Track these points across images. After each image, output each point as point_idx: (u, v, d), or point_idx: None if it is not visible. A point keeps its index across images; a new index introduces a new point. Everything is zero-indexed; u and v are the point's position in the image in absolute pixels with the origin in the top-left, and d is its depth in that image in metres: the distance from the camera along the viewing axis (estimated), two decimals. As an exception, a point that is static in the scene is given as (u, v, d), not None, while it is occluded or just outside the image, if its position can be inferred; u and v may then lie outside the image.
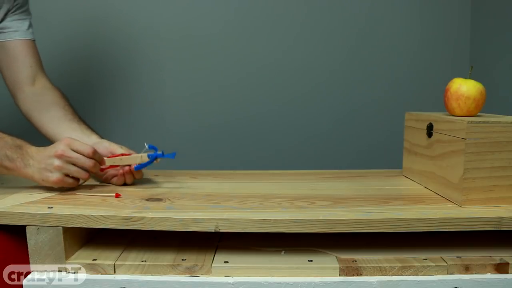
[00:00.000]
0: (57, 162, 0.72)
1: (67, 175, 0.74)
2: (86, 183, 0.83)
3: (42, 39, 1.03)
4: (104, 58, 1.32)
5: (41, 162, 0.73)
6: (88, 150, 0.74)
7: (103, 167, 0.80)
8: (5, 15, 0.89)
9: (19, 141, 0.75)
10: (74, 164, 0.74)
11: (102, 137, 0.86)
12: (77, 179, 0.77)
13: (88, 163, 0.74)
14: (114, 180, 0.83)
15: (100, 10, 1.28)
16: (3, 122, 1.23)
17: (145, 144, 0.80)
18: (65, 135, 0.85)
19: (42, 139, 0.89)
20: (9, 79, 0.91)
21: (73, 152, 0.74)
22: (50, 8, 1.27)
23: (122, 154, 0.80)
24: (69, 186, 0.76)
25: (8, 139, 0.75)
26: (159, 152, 0.79)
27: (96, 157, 0.76)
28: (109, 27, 1.29)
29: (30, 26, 0.93)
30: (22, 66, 0.90)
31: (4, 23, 0.89)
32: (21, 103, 0.91)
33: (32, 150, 0.75)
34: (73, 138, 0.76)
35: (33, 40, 0.93)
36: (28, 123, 0.91)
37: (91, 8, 1.28)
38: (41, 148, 0.75)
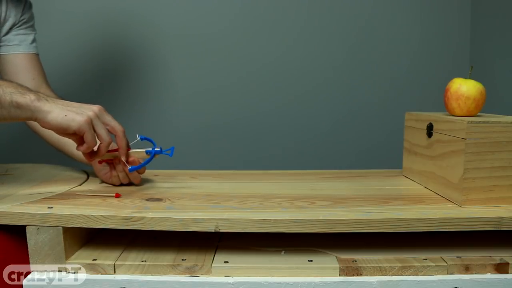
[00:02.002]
0: (91, 112, 0.68)
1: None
2: (85, 185, 0.83)
3: (46, 39, 1.04)
4: (104, 57, 1.32)
5: (67, 104, 0.68)
6: (118, 128, 0.72)
7: (99, 159, 0.79)
8: (10, 28, 0.91)
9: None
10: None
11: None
12: (93, 144, 0.70)
13: (120, 127, 0.72)
14: (111, 178, 0.82)
15: (102, 10, 1.29)
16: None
17: (137, 136, 0.76)
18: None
19: (42, 142, 0.89)
20: None
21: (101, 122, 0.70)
22: (53, 8, 1.27)
23: (119, 149, 0.79)
24: (88, 141, 0.69)
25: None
26: (157, 149, 0.76)
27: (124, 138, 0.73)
28: (111, 26, 1.29)
29: (34, 40, 0.94)
30: (25, 79, 0.91)
31: (9, 36, 0.91)
32: None
33: (50, 97, 0.69)
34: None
35: (37, 54, 0.95)
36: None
37: (93, 8, 1.28)
38: None
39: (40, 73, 0.94)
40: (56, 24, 1.28)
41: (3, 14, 0.89)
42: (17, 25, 0.92)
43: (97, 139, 0.71)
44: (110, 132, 0.73)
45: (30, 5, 0.95)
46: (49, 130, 0.82)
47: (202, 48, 1.31)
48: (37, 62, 0.94)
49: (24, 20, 0.93)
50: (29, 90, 0.69)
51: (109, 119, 0.72)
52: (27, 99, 0.66)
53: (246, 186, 0.84)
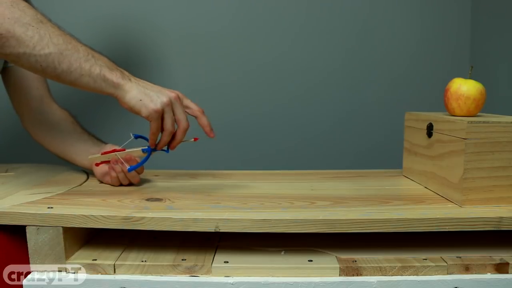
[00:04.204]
0: (166, 99, 0.69)
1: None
2: (85, 185, 0.83)
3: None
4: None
5: (147, 86, 0.69)
6: (197, 109, 0.74)
7: (97, 162, 0.80)
8: None
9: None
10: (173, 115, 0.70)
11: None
12: (157, 133, 0.71)
13: (185, 124, 0.71)
14: (110, 180, 0.82)
15: (102, 10, 1.28)
16: (4, 123, 1.23)
17: (131, 134, 0.76)
18: (76, 147, 0.87)
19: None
20: (16, 102, 0.93)
21: (182, 106, 0.71)
22: (54, 11, 1.27)
23: (114, 150, 0.79)
24: (152, 130, 0.70)
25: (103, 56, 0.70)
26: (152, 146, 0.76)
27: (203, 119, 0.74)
28: (110, 26, 1.29)
29: None
30: (29, 89, 0.91)
31: None
32: (29, 124, 0.92)
33: (133, 76, 0.71)
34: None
35: None
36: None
37: (93, 9, 1.28)
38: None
39: (43, 84, 0.94)
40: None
41: None
42: None
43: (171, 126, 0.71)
44: (190, 114, 0.74)
45: None
46: (63, 146, 0.88)
47: (202, 47, 1.31)
48: None
49: None
50: (116, 67, 0.70)
51: (187, 102, 0.74)
52: (113, 75, 0.67)
53: (246, 186, 0.84)
